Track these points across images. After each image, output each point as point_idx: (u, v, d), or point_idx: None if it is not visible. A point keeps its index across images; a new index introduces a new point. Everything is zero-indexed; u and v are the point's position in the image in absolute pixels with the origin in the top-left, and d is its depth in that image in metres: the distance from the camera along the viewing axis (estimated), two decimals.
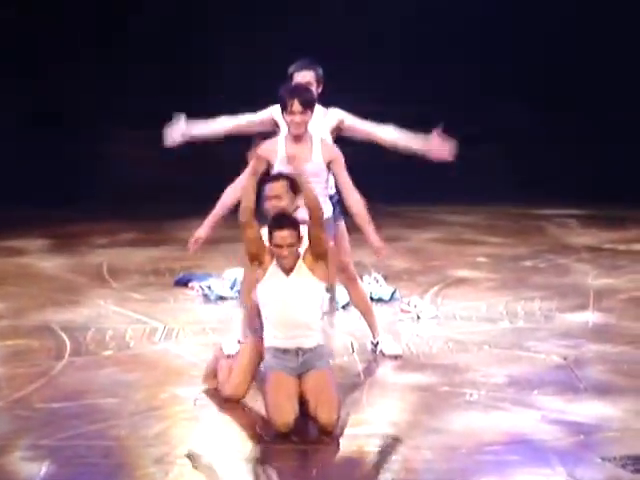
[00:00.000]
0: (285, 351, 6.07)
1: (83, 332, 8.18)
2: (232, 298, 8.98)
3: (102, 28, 15.35)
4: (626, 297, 9.02)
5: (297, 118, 6.90)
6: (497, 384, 6.86)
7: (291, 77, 7.40)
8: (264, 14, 15.30)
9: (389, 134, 7.60)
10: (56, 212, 12.82)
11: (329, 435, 5.98)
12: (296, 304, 6.10)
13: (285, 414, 5.85)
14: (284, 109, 6.92)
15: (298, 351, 6.08)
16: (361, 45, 15.32)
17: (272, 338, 6.09)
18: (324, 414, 5.96)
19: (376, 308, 8.53)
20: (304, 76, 7.33)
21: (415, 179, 12.69)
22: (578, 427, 5.80)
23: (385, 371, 7.30)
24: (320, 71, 7.42)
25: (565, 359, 7.39)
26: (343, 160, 7.20)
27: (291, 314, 6.07)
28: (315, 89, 7.30)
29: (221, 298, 9.13)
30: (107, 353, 7.75)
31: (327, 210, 7.20)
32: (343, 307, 8.42)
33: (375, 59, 15.26)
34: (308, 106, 6.93)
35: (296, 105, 6.88)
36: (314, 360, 6.13)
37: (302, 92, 6.99)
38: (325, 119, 7.53)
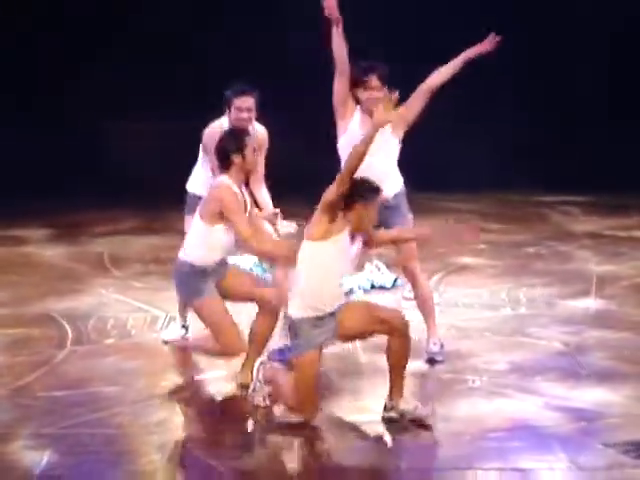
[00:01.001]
0: (322, 317, 6.10)
1: (85, 321, 8.23)
2: None
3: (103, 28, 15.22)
4: (628, 284, 9.04)
5: (376, 93, 6.86)
6: (499, 371, 6.92)
7: (229, 101, 7.48)
8: (260, 14, 15.20)
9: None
10: (57, 202, 12.84)
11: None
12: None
13: (315, 407, 6.07)
14: (360, 85, 6.98)
15: (332, 313, 6.13)
16: (360, 45, 15.18)
17: (314, 310, 6.12)
18: (395, 323, 6.21)
19: (378, 296, 8.75)
20: (244, 101, 7.39)
21: (416, 167, 12.65)
22: (580, 413, 5.86)
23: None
24: (258, 95, 7.51)
25: (567, 345, 7.41)
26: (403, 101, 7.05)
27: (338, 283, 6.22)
28: (254, 114, 7.47)
29: None
30: (109, 341, 7.81)
31: (397, 183, 7.37)
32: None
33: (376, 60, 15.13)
34: (386, 80, 6.90)
35: (375, 81, 6.91)
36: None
37: (379, 67, 7.06)
38: None
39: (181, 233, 10.30)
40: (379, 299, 8.50)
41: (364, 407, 6.35)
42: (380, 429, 5.97)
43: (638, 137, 14.50)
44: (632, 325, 7.73)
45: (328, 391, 6.75)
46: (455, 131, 14.49)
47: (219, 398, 6.60)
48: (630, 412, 5.85)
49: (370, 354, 7.50)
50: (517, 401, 6.28)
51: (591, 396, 6.11)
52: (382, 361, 7.13)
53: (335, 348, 7.35)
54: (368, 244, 6.52)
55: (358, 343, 7.59)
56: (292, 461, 5.58)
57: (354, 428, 6.03)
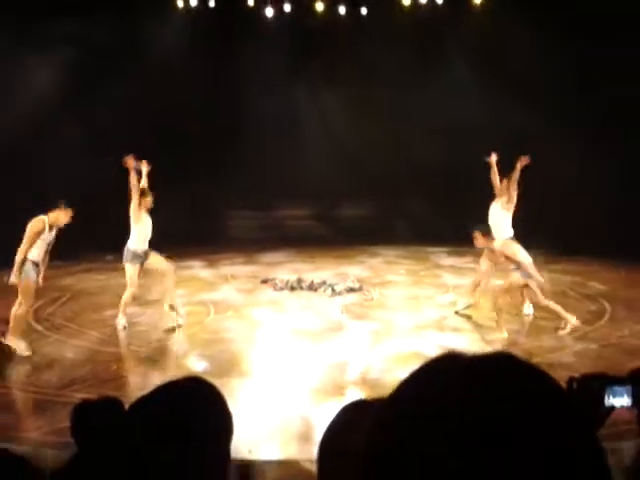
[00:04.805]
0: None
1: (220, 304, 8.25)
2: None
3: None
4: None
5: None
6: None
7: None
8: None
9: None
10: (206, 247, 11.73)
11: None
12: None
13: None
14: None
15: None
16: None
17: None
18: None
19: (352, 295, 8.56)
20: None
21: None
22: None
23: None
24: None
25: None
26: None
27: None
28: None
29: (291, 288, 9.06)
30: (229, 313, 7.84)
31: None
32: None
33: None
34: None
35: None
36: None
37: None
38: None
39: (265, 265, 9.98)
40: (354, 297, 8.53)
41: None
42: None
43: None
44: None
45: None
46: None
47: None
48: None
49: (353, 321, 7.36)
50: None
51: None
52: (359, 326, 7.16)
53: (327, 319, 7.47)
54: None
55: (346, 314, 7.60)
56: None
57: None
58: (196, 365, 5.96)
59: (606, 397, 1.07)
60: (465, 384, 0.54)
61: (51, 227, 6.09)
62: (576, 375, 1.11)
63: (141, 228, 6.97)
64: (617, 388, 1.07)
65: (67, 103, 10.89)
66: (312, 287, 9.03)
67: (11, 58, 10.25)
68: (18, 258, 5.92)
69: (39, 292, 7.80)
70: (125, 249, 7.02)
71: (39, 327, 7.16)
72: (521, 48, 10.58)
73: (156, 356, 6.23)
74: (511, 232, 6.96)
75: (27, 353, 6.09)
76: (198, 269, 10.70)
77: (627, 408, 1.11)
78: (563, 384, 1.13)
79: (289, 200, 13.67)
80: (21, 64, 10.48)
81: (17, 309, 6.08)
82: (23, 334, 6.26)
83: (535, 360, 5.41)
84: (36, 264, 6.07)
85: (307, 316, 7.70)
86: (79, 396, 4.63)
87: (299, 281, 9.26)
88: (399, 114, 12.57)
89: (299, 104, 12.91)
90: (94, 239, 9.55)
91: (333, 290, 8.81)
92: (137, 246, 6.99)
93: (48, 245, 6.15)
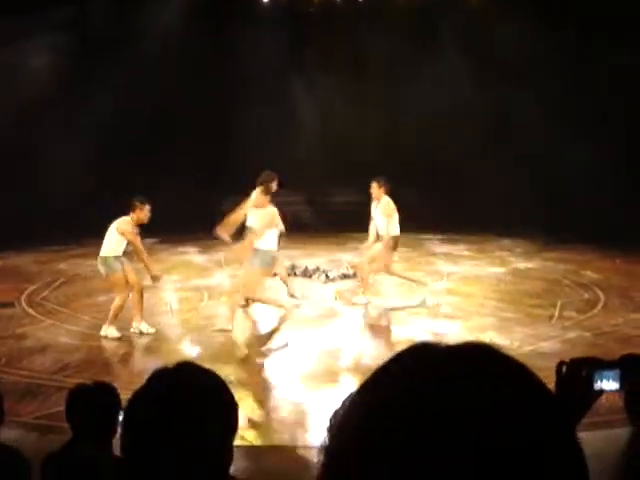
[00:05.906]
0: None
1: (212, 288, 8.19)
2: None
3: None
4: None
5: None
6: None
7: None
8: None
9: None
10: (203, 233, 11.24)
11: None
12: None
13: None
14: None
15: None
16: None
17: None
18: None
19: (346, 281, 8.44)
20: None
21: None
22: None
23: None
24: None
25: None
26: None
27: None
28: None
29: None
30: (222, 299, 7.47)
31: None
32: None
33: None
34: None
35: None
36: None
37: None
38: None
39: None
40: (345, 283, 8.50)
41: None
42: None
43: None
44: None
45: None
46: None
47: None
48: None
49: (344, 307, 7.37)
50: None
51: None
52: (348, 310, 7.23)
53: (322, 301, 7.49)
54: None
55: (339, 300, 7.58)
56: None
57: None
58: (189, 350, 5.97)
59: (595, 381, 1.10)
60: (436, 374, 0.53)
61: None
62: (565, 360, 1.14)
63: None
64: (606, 372, 1.10)
65: (64, 89, 10.90)
66: (306, 273, 9.02)
67: (8, 44, 10.23)
68: (147, 263, 6.29)
69: (35, 276, 7.72)
70: (262, 253, 6.07)
71: (32, 311, 7.20)
72: (516, 36, 10.64)
73: (150, 341, 6.25)
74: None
75: (117, 335, 6.19)
76: (192, 255, 10.63)
77: (615, 392, 1.13)
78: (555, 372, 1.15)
79: (282, 186, 13.59)
80: (19, 49, 10.48)
81: (115, 302, 6.31)
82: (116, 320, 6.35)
83: (528, 348, 5.60)
84: (118, 257, 6.28)
85: (301, 302, 7.63)
86: (72, 381, 4.66)
87: (293, 267, 9.17)
88: (393, 102, 12.51)
89: (295, 91, 12.86)
90: (89, 223, 9.39)
91: (327, 276, 8.83)
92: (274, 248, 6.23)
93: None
